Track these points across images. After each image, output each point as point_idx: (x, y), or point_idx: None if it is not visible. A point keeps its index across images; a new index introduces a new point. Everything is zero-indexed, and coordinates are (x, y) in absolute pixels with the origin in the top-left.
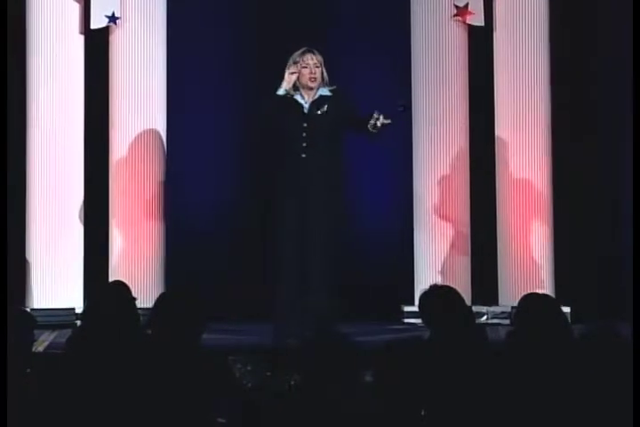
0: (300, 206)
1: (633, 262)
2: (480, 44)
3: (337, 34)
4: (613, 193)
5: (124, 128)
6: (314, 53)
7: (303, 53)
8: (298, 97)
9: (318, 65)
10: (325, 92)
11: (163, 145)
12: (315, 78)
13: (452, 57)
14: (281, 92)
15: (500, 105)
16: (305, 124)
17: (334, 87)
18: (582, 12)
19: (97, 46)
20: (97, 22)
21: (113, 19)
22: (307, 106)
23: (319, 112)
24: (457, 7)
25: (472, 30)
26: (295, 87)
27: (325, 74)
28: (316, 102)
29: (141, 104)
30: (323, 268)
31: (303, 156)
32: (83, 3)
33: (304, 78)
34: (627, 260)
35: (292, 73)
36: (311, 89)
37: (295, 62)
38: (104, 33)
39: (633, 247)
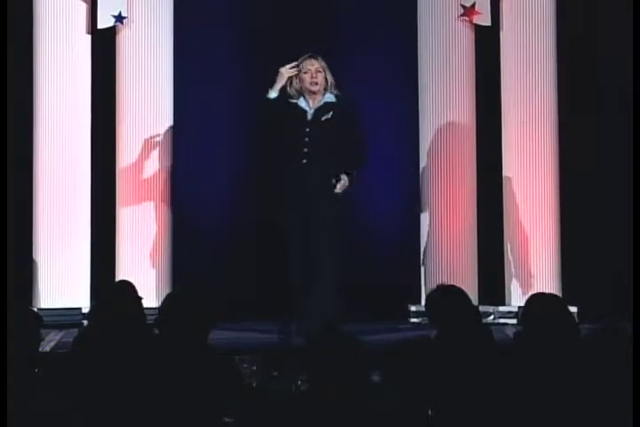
0: (304, 209)
1: (633, 262)
2: (487, 44)
3: (342, 34)
4: (621, 192)
5: (131, 127)
6: (316, 59)
7: (305, 59)
8: (302, 103)
9: (320, 70)
10: (331, 98)
11: (170, 144)
12: (316, 82)
13: (458, 57)
14: (272, 95)
15: (508, 104)
16: (307, 130)
17: (338, 93)
18: (588, 10)
19: (104, 46)
20: (104, 22)
21: (120, 18)
22: (310, 112)
23: (323, 119)
24: (464, 7)
25: (479, 30)
26: (299, 93)
27: (331, 79)
28: (321, 109)
29: (149, 103)
30: (329, 268)
31: (304, 161)
32: (90, 2)
33: (305, 83)
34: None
35: (289, 74)
36: (314, 93)
37: (298, 68)
38: (111, 32)
39: (633, 247)
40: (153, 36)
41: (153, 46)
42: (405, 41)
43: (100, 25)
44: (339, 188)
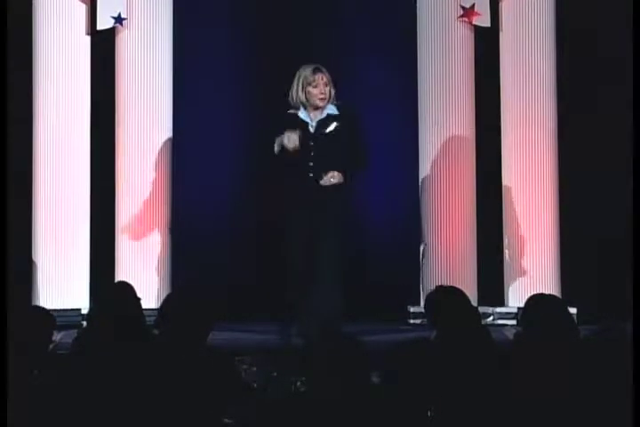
0: (309, 217)
1: (633, 263)
2: (486, 45)
3: (342, 35)
4: (620, 192)
5: (130, 128)
6: (323, 72)
7: (314, 72)
8: (303, 115)
9: (327, 83)
10: (333, 110)
11: (169, 145)
12: (325, 98)
13: (457, 58)
14: (276, 149)
15: (506, 106)
16: (312, 144)
17: (340, 102)
18: (588, 11)
19: (103, 47)
20: (103, 23)
21: (119, 19)
22: (313, 124)
23: (327, 131)
24: (463, 8)
25: (478, 31)
26: (302, 104)
27: (333, 91)
28: (323, 121)
29: (148, 105)
30: (329, 268)
31: (311, 175)
32: (89, 3)
33: (313, 98)
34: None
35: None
36: (318, 108)
37: (307, 81)
38: (110, 34)
39: (632, 248)
40: (152, 38)
41: (152, 47)
42: (405, 42)
43: (100, 26)
44: (325, 180)
